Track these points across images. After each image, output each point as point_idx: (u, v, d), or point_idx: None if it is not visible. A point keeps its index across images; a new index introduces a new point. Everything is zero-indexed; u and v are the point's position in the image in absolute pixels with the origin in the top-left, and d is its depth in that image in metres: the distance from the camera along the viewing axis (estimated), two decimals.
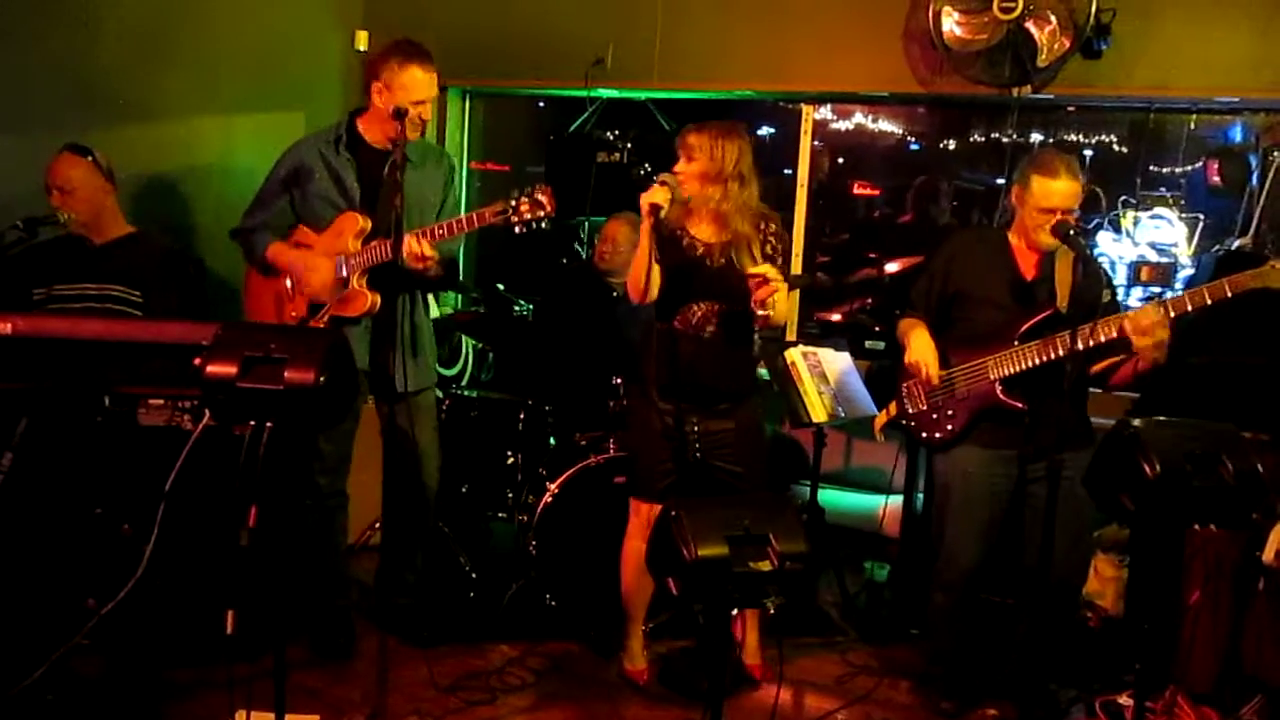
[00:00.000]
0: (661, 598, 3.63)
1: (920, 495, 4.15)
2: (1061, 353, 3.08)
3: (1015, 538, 3.30)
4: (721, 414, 3.38)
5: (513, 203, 3.18)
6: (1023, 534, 3.28)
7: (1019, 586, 3.38)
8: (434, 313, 3.95)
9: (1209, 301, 2.94)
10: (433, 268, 3.35)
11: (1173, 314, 3.01)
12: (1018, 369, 3.19)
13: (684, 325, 3.32)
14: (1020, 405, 3.19)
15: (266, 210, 3.53)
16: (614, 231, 4.54)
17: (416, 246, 3.23)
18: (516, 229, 3.19)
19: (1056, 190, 3.13)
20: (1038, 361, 3.15)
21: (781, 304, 3.20)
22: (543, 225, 3.20)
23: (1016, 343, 3.20)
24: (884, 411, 3.55)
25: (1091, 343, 3.02)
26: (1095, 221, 4.80)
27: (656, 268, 3.17)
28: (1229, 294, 2.91)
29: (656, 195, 3.14)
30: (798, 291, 5.04)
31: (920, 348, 3.33)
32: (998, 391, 3.22)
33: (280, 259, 3.49)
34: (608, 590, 3.64)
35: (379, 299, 3.39)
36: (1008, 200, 3.41)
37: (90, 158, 3.42)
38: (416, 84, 3.32)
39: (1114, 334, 3.05)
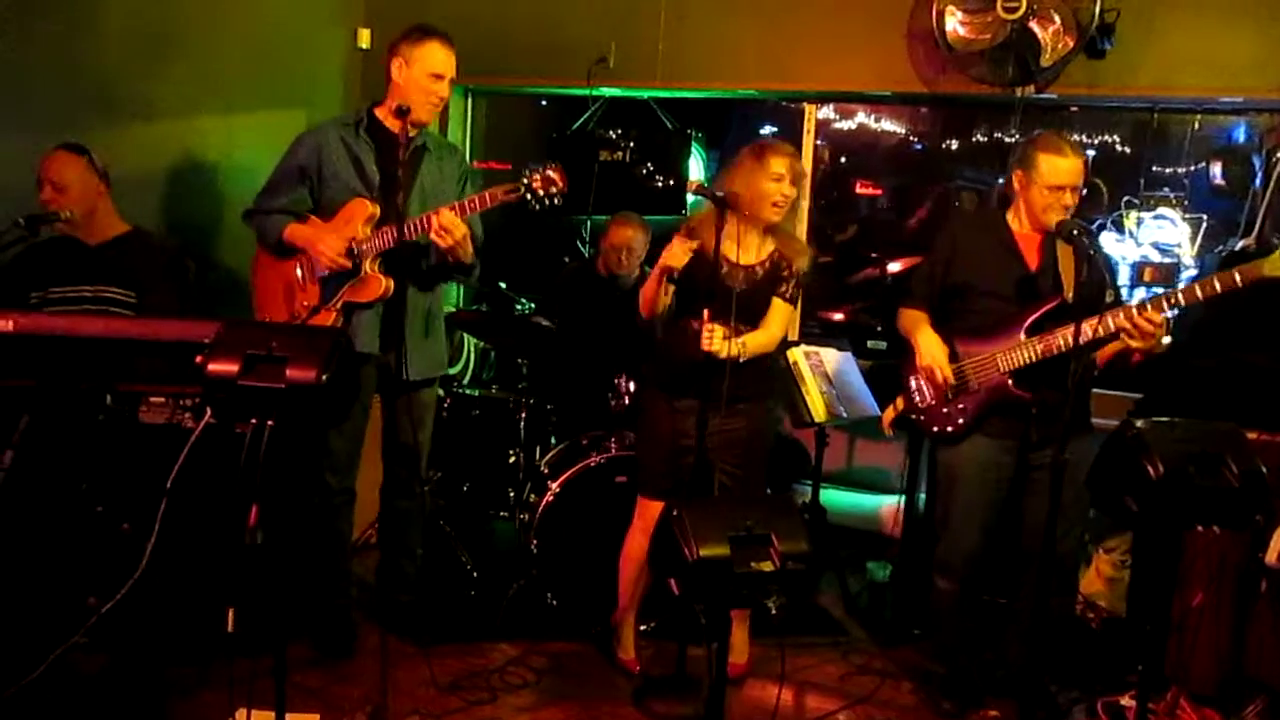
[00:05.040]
0: (655, 598, 3.63)
1: (923, 496, 4.14)
2: (1068, 345, 3.07)
3: (1014, 524, 3.31)
4: (733, 413, 3.36)
5: (525, 180, 3.22)
6: (1022, 519, 3.29)
7: (1015, 576, 3.37)
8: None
9: (1219, 291, 2.91)
10: (465, 244, 3.33)
11: (1184, 303, 2.99)
12: (1027, 361, 3.18)
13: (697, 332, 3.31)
14: (1031, 398, 3.18)
15: (281, 195, 3.50)
16: (626, 239, 4.49)
17: (444, 218, 3.24)
18: (532, 205, 3.23)
19: (1064, 168, 3.14)
20: (1044, 355, 3.14)
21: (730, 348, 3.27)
22: (555, 202, 3.23)
23: (1024, 335, 3.19)
24: (891, 407, 3.54)
25: (1100, 334, 3.03)
26: (1099, 222, 4.79)
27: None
28: (1239, 284, 2.89)
29: (677, 258, 3.24)
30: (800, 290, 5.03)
31: (930, 349, 3.31)
32: (1010, 385, 3.21)
33: (297, 236, 3.46)
34: (610, 589, 3.64)
35: (393, 284, 3.39)
36: (1007, 189, 3.40)
37: (86, 156, 3.39)
38: (434, 56, 3.36)
39: (1114, 329, 3.04)
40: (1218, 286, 2.92)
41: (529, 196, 3.21)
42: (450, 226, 3.24)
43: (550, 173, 3.20)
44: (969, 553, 3.33)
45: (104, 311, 3.36)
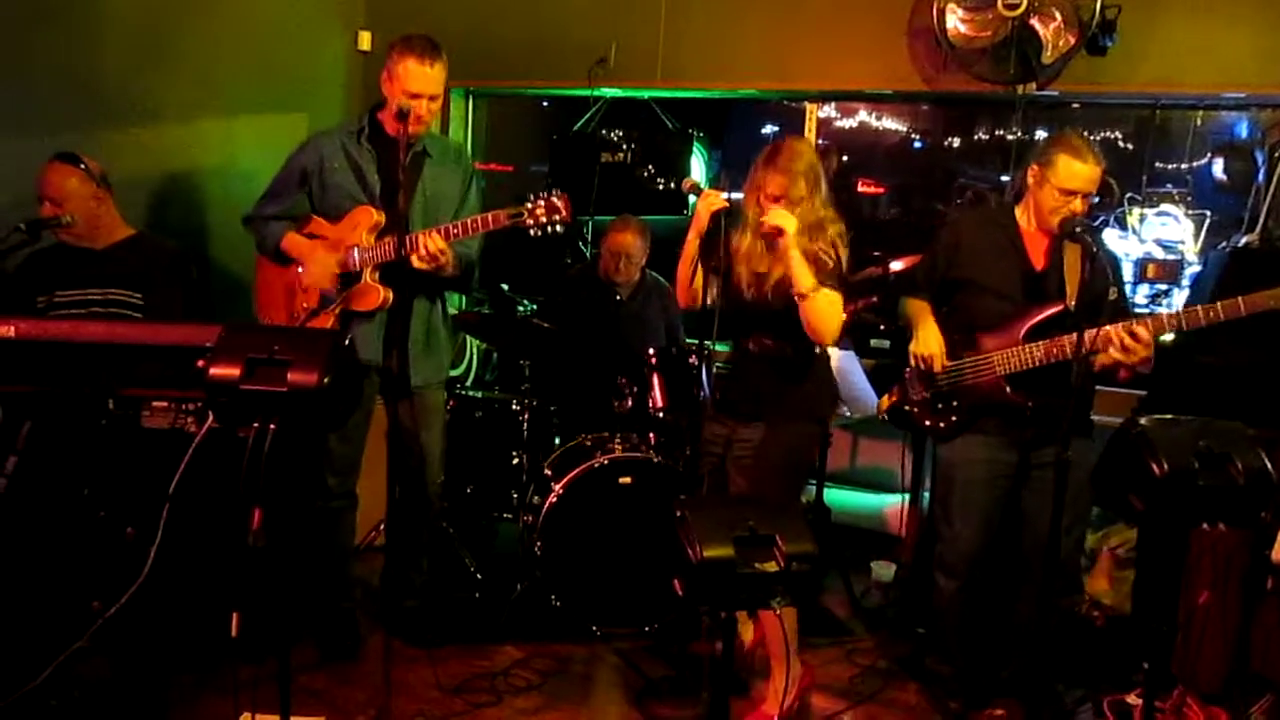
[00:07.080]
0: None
1: (927, 494, 4.13)
2: (1067, 354, 3.06)
3: (1015, 523, 3.30)
4: (755, 425, 3.26)
5: (528, 205, 3.19)
6: (1023, 519, 3.27)
7: (1017, 576, 3.36)
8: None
9: (1223, 318, 2.92)
10: (447, 267, 3.33)
11: (1185, 327, 2.99)
12: (1024, 366, 3.17)
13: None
14: (1026, 403, 3.17)
15: (282, 200, 3.51)
16: (625, 245, 4.47)
17: (431, 245, 3.23)
18: (531, 232, 3.20)
19: (1081, 173, 3.11)
20: (1044, 361, 3.13)
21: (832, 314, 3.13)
22: (557, 230, 3.20)
23: (1023, 339, 3.18)
24: (888, 394, 3.53)
25: (1098, 345, 3.01)
26: (1101, 219, 4.78)
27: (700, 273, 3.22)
28: (1243, 312, 2.90)
29: (715, 203, 3.10)
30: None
31: (928, 338, 3.30)
32: (1005, 389, 3.20)
33: (293, 249, 3.48)
34: (613, 590, 3.63)
35: (391, 294, 3.38)
36: (1021, 183, 3.36)
37: (81, 166, 3.36)
38: (409, 75, 3.32)
39: (1109, 342, 3.02)
40: (1221, 314, 2.92)
41: (530, 222, 3.19)
42: (434, 253, 3.23)
43: (555, 201, 3.17)
44: (969, 552, 3.32)
45: (113, 314, 3.37)
